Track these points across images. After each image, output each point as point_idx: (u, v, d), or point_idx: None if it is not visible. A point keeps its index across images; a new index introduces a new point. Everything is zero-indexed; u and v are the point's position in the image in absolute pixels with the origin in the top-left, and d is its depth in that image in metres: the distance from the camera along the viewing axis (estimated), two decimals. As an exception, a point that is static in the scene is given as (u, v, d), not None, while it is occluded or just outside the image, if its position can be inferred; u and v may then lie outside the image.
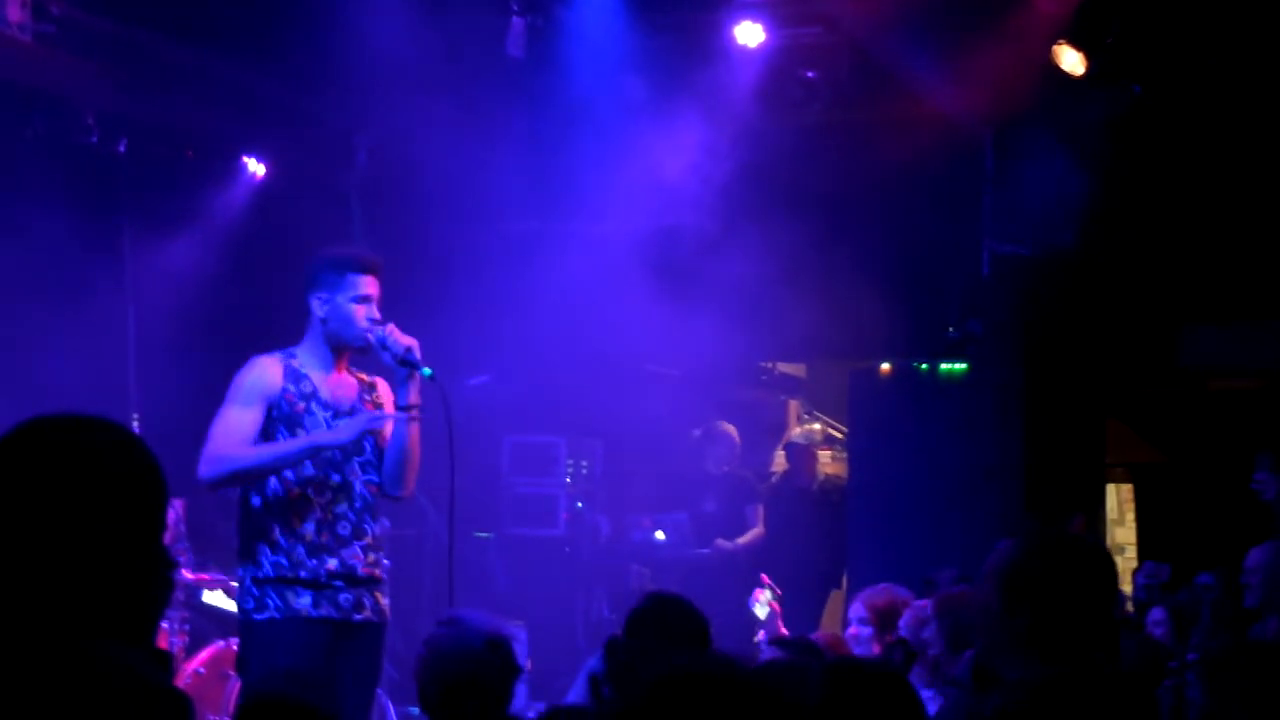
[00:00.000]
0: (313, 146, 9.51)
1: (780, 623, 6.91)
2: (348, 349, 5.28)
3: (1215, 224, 8.85)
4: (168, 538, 8.54)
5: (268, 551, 5.11)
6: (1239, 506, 9.38)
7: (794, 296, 9.58)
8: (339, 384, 5.29)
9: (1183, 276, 9.11)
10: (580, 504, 10.30)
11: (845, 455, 11.23)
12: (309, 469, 5.11)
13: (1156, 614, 6.75)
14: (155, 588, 1.98)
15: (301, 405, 5.20)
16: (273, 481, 5.11)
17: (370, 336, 5.18)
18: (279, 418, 5.16)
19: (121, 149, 8.60)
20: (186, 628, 7.74)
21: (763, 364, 11.86)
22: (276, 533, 5.11)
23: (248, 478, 5.11)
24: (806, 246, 9.45)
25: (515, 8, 8.08)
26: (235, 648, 7.75)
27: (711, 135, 8.99)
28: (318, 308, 5.23)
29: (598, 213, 9.77)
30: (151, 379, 8.51)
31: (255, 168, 9.62)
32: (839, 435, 12.00)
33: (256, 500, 5.16)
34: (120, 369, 8.32)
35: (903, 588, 6.30)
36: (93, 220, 8.49)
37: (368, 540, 5.25)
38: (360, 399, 5.30)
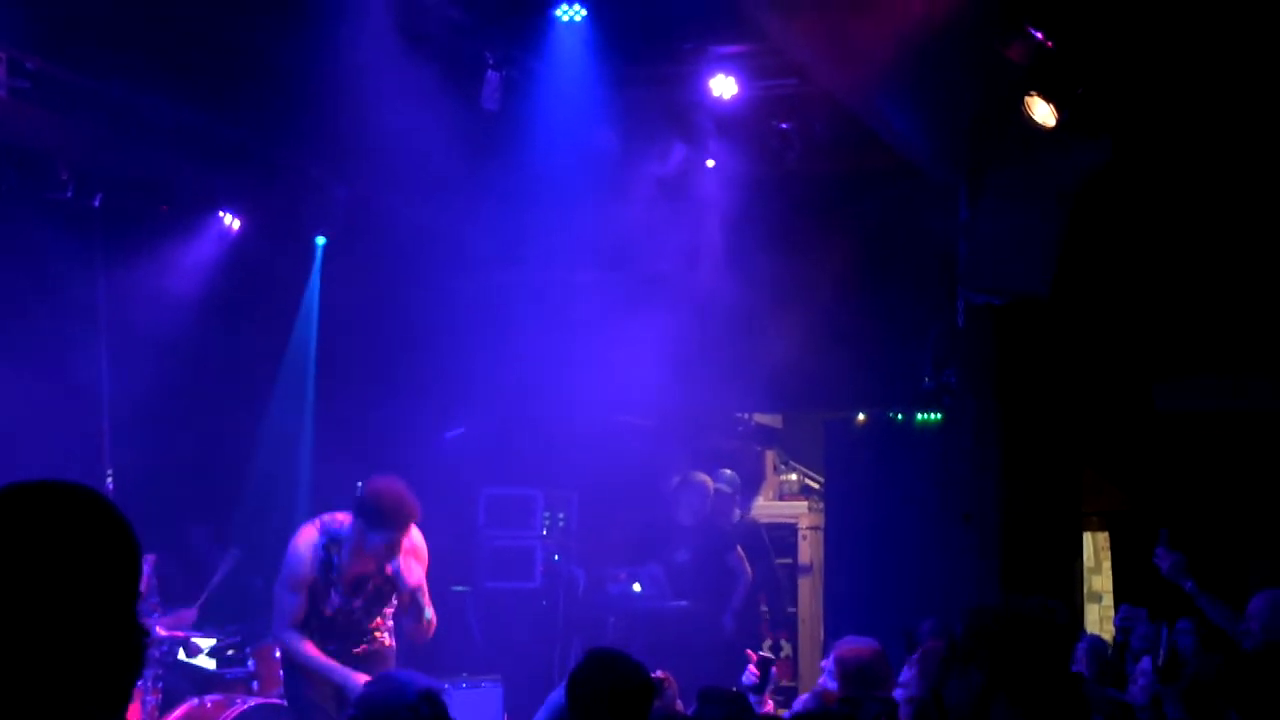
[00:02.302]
0: (287, 199, 9.52)
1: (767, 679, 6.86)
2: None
3: (1187, 272, 8.90)
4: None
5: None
6: (1215, 552, 9.41)
7: (769, 347, 9.61)
8: (363, 564, 6.57)
9: (1156, 325, 9.16)
10: (557, 556, 10.27)
11: (822, 506, 11.24)
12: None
13: (1145, 664, 6.75)
14: (130, 657, 1.93)
15: (324, 587, 6.59)
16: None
17: (388, 569, 6.50)
18: (312, 591, 6.59)
19: (96, 203, 8.59)
20: (160, 685, 7.67)
21: (739, 415, 11.87)
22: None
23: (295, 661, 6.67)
24: (780, 297, 9.49)
25: (490, 61, 8.11)
26: (209, 704, 7.72)
27: (686, 186, 9.03)
28: (359, 526, 6.46)
29: (572, 263, 9.79)
30: (126, 433, 8.47)
31: (230, 221, 9.62)
32: (815, 485, 12.00)
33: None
34: (95, 423, 8.28)
35: (871, 640, 6.28)
36: (68, 273, 8.46)
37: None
38: (377, 573, 6.59)
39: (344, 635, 6.71)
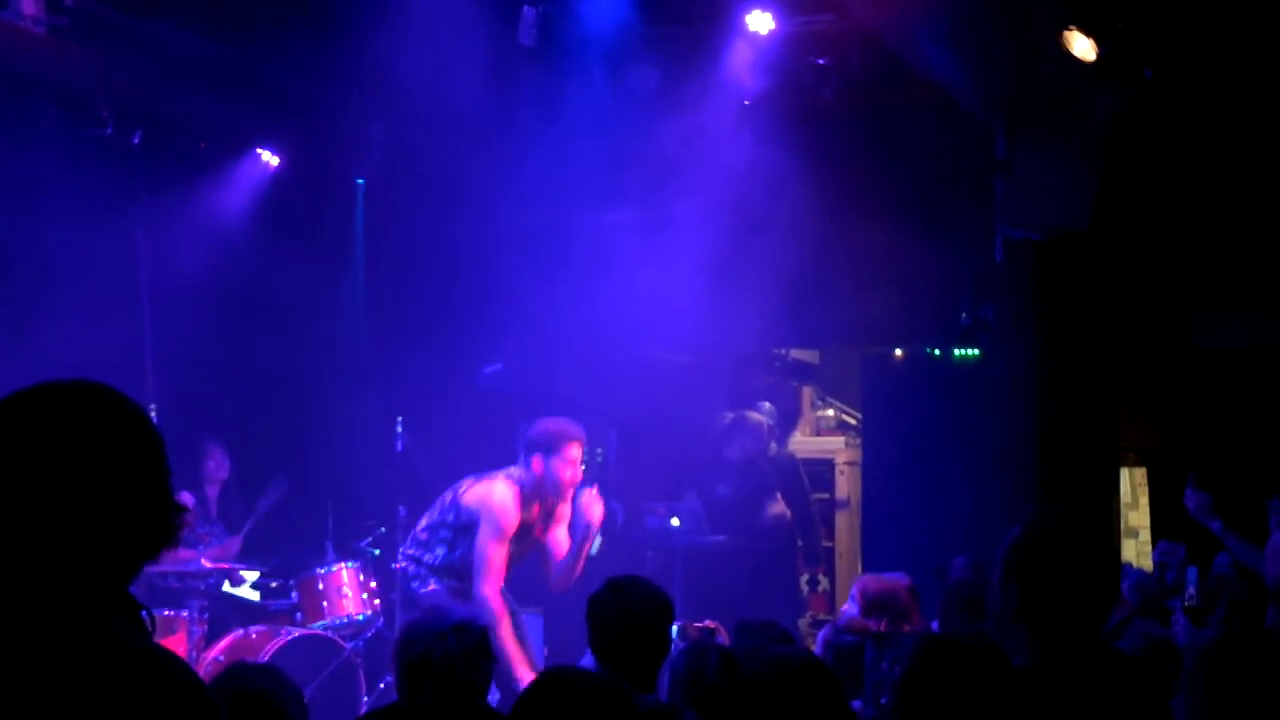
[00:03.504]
0: (326, 138, 9.54)
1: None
2: (552, 497, 6.92)
3: (1228, 209, 8.84)
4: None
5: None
6: (1253, 490, 9.39)
7: (807, 283, 9.59)
8: (529, 516, 6.94)
9: (1195, 260, 9.10)
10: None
11: (859, 441, 11.26)
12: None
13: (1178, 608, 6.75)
14: (160, 525, 2.07)
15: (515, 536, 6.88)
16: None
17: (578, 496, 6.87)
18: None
19: (136, 141, 8.63)
20: (206, 616, 7.80)
21: (776, 350, 11.87)
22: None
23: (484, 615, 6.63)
24: (819, 233, 9.46)
25: (526, -3, 8.10)
26: (254, 635, 7.84)
27: (722, 123, 9.00)
28: (537, 465, 6.82)
29: (610, 201, 9.78)
30: (168, 370, 8.56)
31: (269, 159, 9.65)
32: (853, 421, 12.01)
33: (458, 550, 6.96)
34: (137, 360, 8.37)
35: (903, 575, 6.33)
36: (107, 212, 8.53)
37: None
38: (539, 522, 6.99)
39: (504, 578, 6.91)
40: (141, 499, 2.04)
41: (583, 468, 6.90)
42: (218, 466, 9.02)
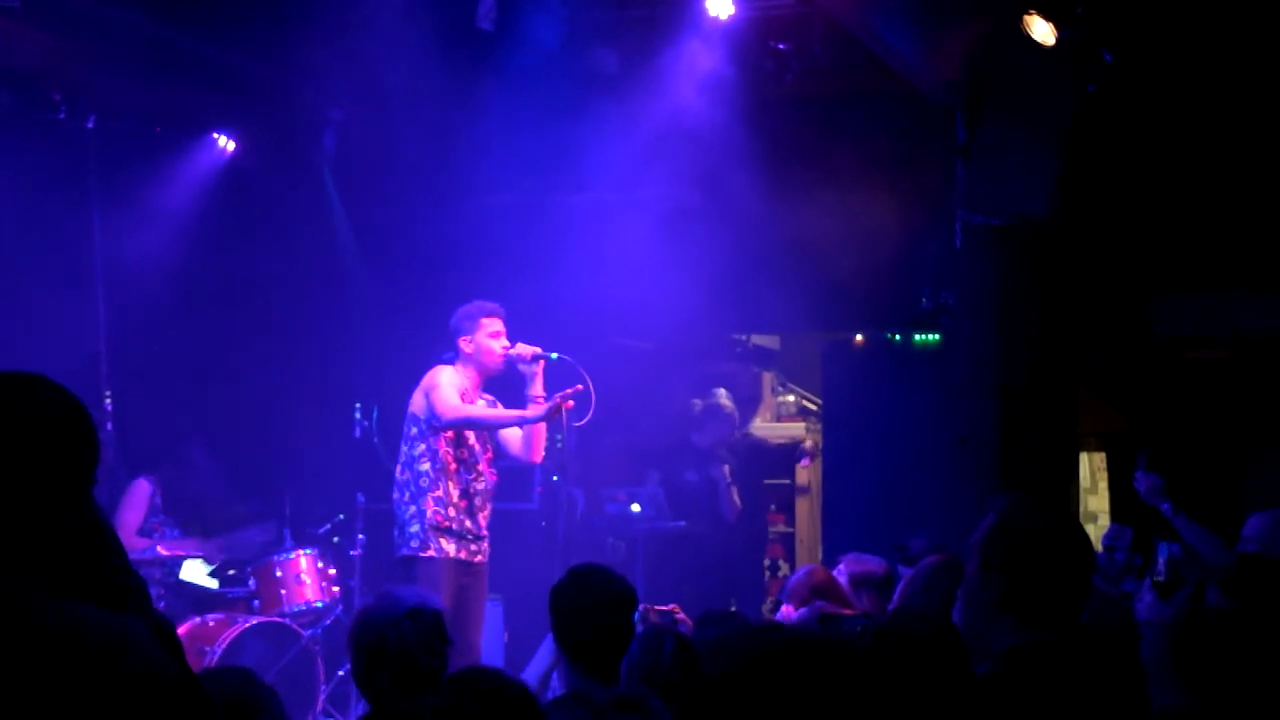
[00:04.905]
0: (283, 121, 9.46)
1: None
2: (489, 374, 7.39)
3: (1187, 192, 8.87)
4: (139, 515, 8.51)
5: (433, 504, 7.16)
6: (1211, 474, 9.44)
7: (767, 268, 9.59)
8: (479, 398, 7.38)
9: (1155, 245, 9.14)
10: (555, 477, 10.30)
11: (819, 427, 11.26)
12: (465, 457, 7.27)
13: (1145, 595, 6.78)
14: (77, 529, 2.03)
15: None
16: (441, 456, 7.20)
17: (510, 351, 7.32)
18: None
19: (90, 125, 8.54)
20: (163, 605, 7.73)
21: (736, 336, 11.87)
22: (440, 492, 7.18)
23: (470, 427, 7.26)
24: (778, 218, 9.45)
25: (486, -20, 8.03)
26: (211, 623, 7.78)
27: (682, 107, 8.97)
28: (465, 345, 7.30)
29: (568, 185, 9.74)
30: (123, 358, 8.47)
31: (225, 143, 9.57)
32: (813, 407, 12.03)
33: (425, 471, 7.21)
34: (91, 347, 8.28)
35: (873, 557, 6.36)
36: (61, 197, 8.44)
37: (488, 511, 7.38)
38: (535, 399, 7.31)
39: (472, 488, 7.28)
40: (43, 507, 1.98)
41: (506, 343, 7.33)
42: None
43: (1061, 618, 3.13)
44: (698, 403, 10.58)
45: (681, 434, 10.46)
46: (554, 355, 7.35)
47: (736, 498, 10.29)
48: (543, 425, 7.34)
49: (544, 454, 7.51)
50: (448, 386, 7.22)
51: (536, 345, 7.44)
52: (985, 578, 3.16)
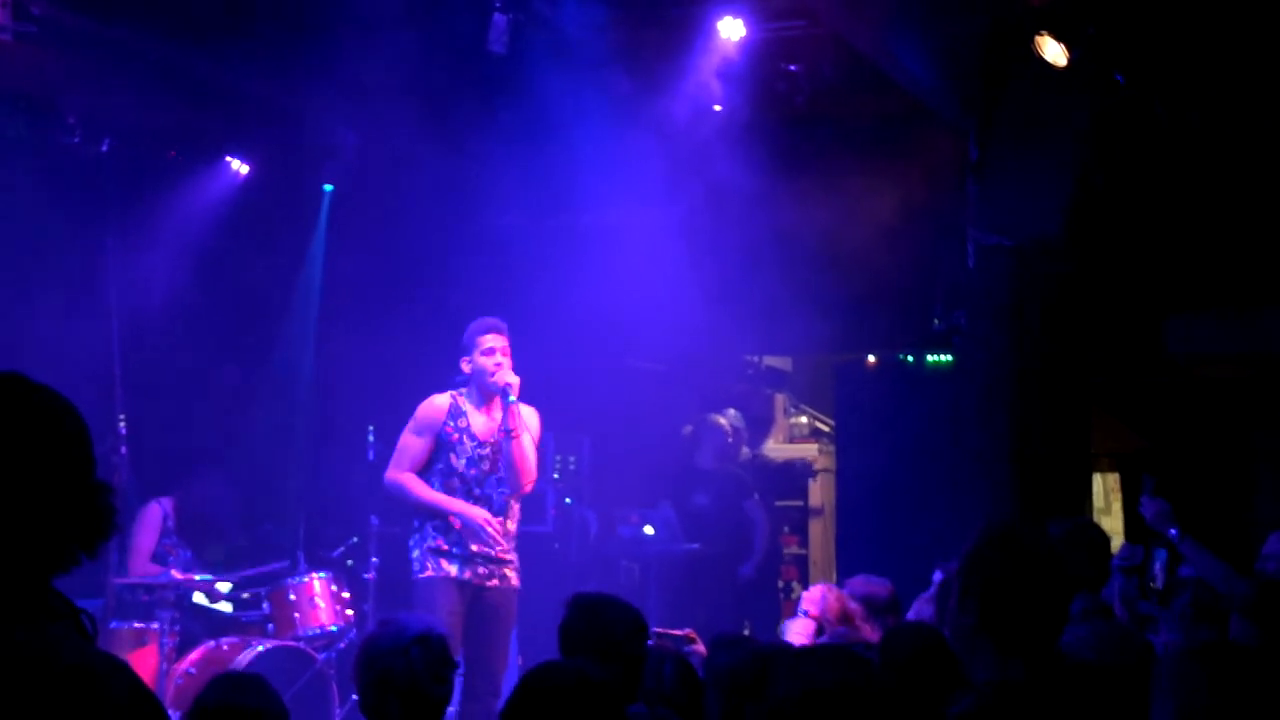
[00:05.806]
0: (295, 145, 9.49)
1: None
2: (492, 394, 7.11)
3: (1199, 212, 8.86)
4: (151, 538, 8.52)
5: (431, 531, 7.04)
6: (1223, 492, 9.42)
7: (779, 290, 9.59)
8: (488, 419, 7.14)
9: (1167, 264, 9.13)
10: (569, 499, 10.30)
11: (832, 448, 11.25)
12: (456, 486, 7.08)
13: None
14: (92, 511, 2.01)
15: (456, 436, 7.11)
16: (439, 485, 7.07)
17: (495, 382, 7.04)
18: (442, 444, 7.11)
19: (104, 149, 8.57)
20: (177, 628, 7.73)
21: (748, 358, 11.87)
22: (439, 518, 7.05)
23: (398, 494, 7.15)
24: (790, 239, 9.46)
25: (497, 4, 8.06)
26: (225, 647, 7.78)
27: (693, 129, 8.99)
28: (465, 366, 7.14)
29: (581, 207, 9.76)
30: (137, 380, 8.48)
31: (239, 167, 9.60)
32: (826, 428, 12.02)
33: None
34: (105, 370, 8.29)
35: (880, 579, 6.36)
36: (76, 220, 8.46)
37: (507, 533, 7.14)
38: (498, 433, 7.11)
39: (472, 495, 7.06)
40: (54, 490, 1.98)
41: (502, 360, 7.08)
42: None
43: (1036, 644, 3.14)
44: (688, 428, 10.58)
45: (684, 459, 10.46)
46: (511, 398, 7.00)
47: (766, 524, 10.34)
48: (526, 453, 7.06)
49: (530, 485, 7.19)
50: (405, 438, 7.14)
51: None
52: (963, 602, 3.19)
